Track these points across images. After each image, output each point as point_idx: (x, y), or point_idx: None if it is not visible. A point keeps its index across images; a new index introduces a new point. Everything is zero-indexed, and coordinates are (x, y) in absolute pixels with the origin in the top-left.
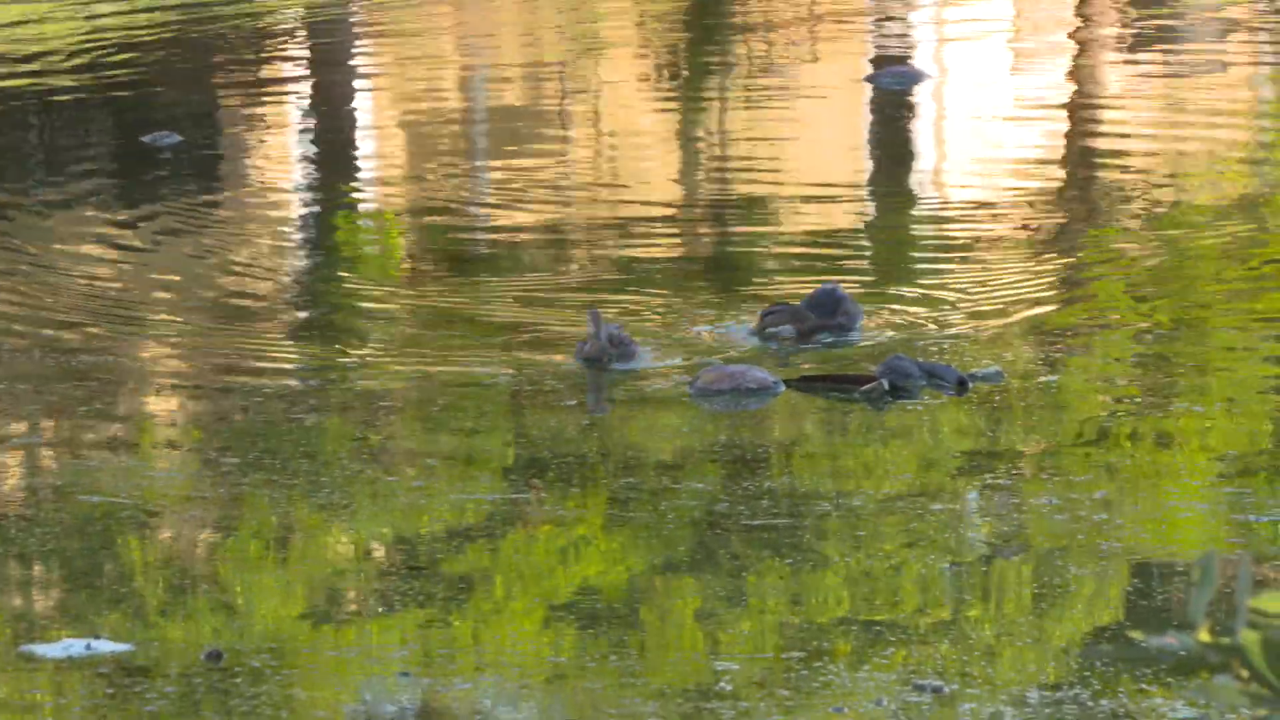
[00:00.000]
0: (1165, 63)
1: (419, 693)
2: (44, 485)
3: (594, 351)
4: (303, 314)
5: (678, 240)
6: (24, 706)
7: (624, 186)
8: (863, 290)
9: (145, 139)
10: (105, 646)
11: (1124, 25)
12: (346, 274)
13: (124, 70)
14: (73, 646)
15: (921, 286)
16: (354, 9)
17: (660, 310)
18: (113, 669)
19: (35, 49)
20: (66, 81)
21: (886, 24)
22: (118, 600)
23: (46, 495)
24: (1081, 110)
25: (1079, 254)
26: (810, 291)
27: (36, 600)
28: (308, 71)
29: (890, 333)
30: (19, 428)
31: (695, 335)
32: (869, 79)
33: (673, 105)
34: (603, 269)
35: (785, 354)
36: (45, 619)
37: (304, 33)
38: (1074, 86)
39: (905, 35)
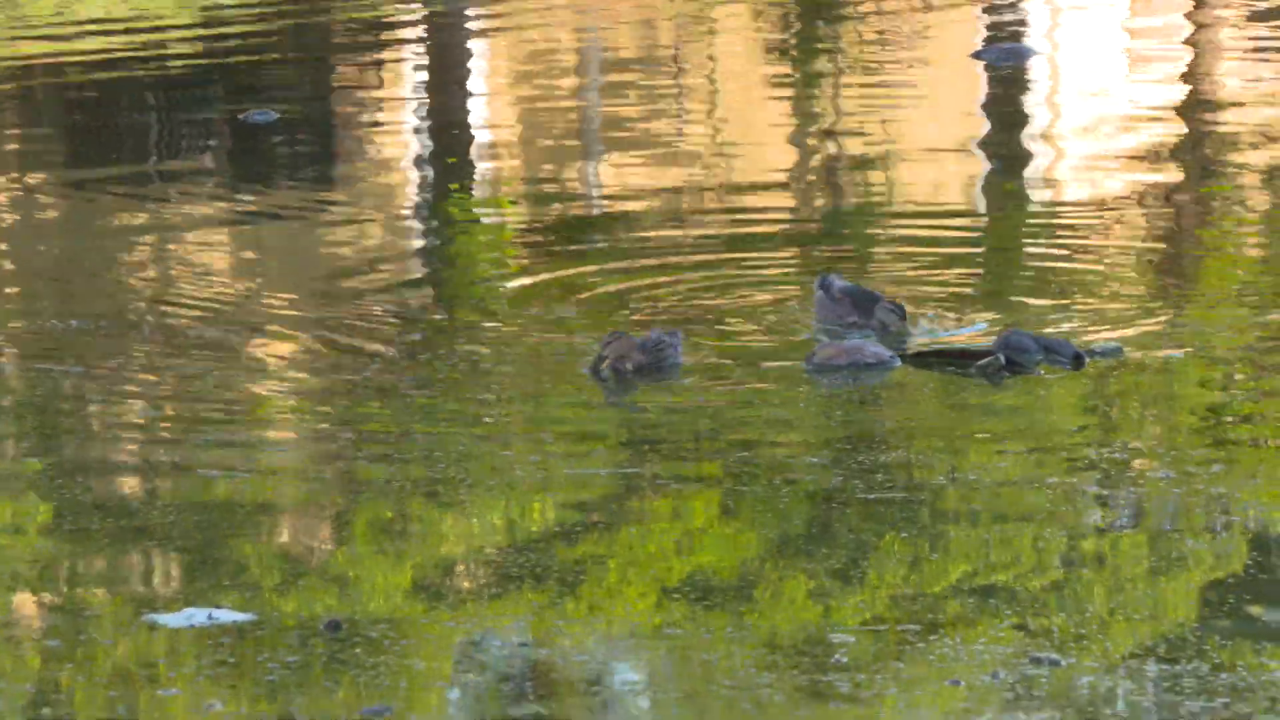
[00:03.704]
0: None
1: (536, 663)
2: (163, 461)
3: (591, 368)
4: (412, 292)
5: (784, 218)
6: (147, 675)
7: (735, 158)
8: (973, 266)
9: (241, 116)
10: (226, 616)
11: (1241, 4)
12: (456, 253)
13: (233, 46)
14: (195, 616)
15: (1035, 262)
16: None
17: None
18: (234, 638)
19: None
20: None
21: (999, 6)
22: (239, 571)
23: (165, 470)
24: (1194, 85)
25: (1195, 229)
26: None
27: (159, 572)
28: (420, 53)
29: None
30: (136, 405)
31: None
32: (977, 55)
33: (786, 83)
34: (707, 242)
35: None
36: (168, 590)
37: (420, 22)
38: (1190, 53)
39: (1018, 15)
